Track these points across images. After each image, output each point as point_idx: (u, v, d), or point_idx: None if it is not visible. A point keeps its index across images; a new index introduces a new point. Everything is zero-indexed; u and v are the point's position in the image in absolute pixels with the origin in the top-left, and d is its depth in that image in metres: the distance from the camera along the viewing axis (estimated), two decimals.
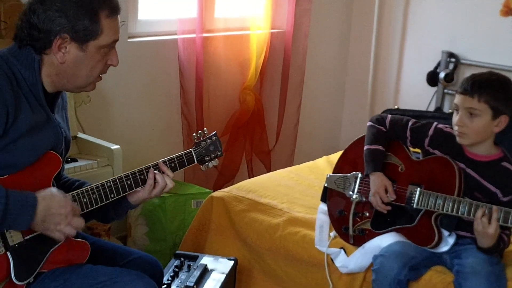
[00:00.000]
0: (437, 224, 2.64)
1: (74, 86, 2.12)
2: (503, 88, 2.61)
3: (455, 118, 2.62)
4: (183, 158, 2.30)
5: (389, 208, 2.72)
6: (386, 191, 2.71)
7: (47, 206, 1.95)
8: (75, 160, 3.12)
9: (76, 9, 1.99)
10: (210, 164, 2.38)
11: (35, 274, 2.03)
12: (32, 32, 2.01)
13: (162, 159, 2.25)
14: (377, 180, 2.73)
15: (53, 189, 2.02)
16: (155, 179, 2.21)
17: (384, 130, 2.82)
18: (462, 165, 2.66)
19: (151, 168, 2.22)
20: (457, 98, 2.63)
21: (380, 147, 2.78)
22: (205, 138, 2.37)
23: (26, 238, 2.00)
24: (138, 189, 2.22)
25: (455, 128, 2.62)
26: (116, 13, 2.09)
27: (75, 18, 1.99)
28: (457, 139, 2.64)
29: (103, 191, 2.14)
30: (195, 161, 2.33)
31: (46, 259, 2.05)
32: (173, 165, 2.27)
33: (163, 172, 2.23)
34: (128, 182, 2.18)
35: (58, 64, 2.04)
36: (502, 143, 2.71)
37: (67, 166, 3.00)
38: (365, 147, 2.81)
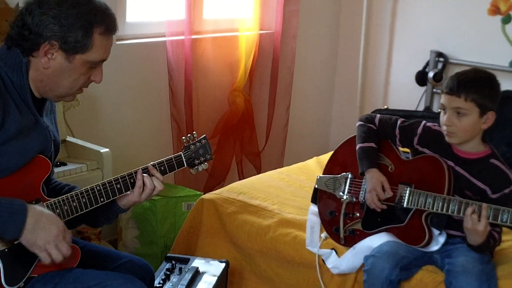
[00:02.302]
0: (427, 223, 2.65)
1: (54, 94, 2.11)
2: (489, 85, 2.63)
3: (443, 118, 2.63)
4: (172, 161, 2.29)
5: (384, 207, 2.71)
6: (383, 188, 2.71)
7: (38, 218, 1.93)
8: (64, 164, 3.11)
9: (72, 19, 1.98)
10: (200, 168, 2.37)
11: (25, 279, 2.02)
12: (23, 31, 2.00)
13: (152, 163, 2.25)
14: (374, 177, 2.72)
15: (45, 209, 2.01)
16: (143, 181, 2.20)
17: (375, 128, 2.83)
18: (451, 163, 2.67)
19: (140, 170, 2.21)
20: (444, 98, 2.64)
21: (373, 144, 2.78)
22: (194, 141, 2.36)
23: (16, 242, 1.99)
24: (128, 192, 2.21)
25: (444, 128, 2.63)
26: (111, 33, 2.08)
27: (68, 28, 1.99)
28: (446, 138, 2.65)
29: (93, 195, 2.13)
30: (185, 164, 2.32)
31: (36, 263, 2.04)
32: (162, 168, 2.26)
33: (152, 175, 2.22)
34: (118, 186, 2.17)
35: (42, 69, 2.03)
36: (491, 141, 2.72)
37: (56, 170, 2.99)
38: (358, 146, 2.80)
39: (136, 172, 2.21)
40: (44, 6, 1.98)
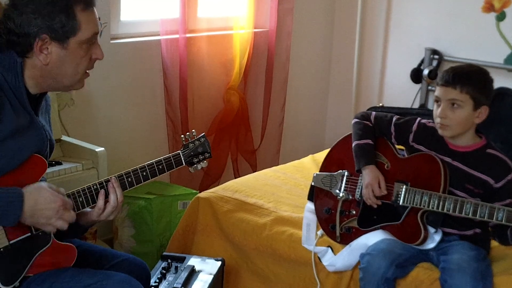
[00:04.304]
0: (423, 221, 2.65)
1: (62, 85, 2.11)
2: (483, 79, 2.65)
3: (437, 110, 2.64)
4: (171, 160, 2.27)
5: (379, 202, 2.72)
6: (379, 185, 2.71)
7: (35, 202, 1.93)
8: (59, 163, 3.09)
9: (50, 7, 1.98)
10: (199, 166, 2.35)
11: (21, 278, 2.02)
12: (11, 37, 2.00)
13: (149, 162, 2.23)
14: (371, 173, 2.72)
15: (43, 184, 2.00)
16: (106, 198, 2.14)
17: (371, 125, 2.83)
18: (448, 159, 2.67)
19: (103, 191, 2.13)
20: (439, 90, 2.65)
21: (369, 141, 2.79)
22: (193, 139, 2.34)
23: (11, 242, 1.98)
24: (87, 210, 2.17)
25: (437, 120, 2.64)
26: (92, 5, 2.07)
27: (50, 17, 1.98)
28: (439, 131, 2.66)
29: (89, 194, 2.12)
30: (183, 163, 2.31)
31: (32, 263, 2.03)
32: (160, 167, 2.24)
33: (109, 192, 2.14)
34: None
35: (42, 66, 2.03)
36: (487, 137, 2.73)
37: (52, 169, 2.99)
38: (354, 143, 2.81)
39: (101, 185, 2.14)
40: (19, 6, 1.98)
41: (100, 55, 2.12)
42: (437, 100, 2.65)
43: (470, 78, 2.60)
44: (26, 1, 1.98)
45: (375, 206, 2.73)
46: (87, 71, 2.13)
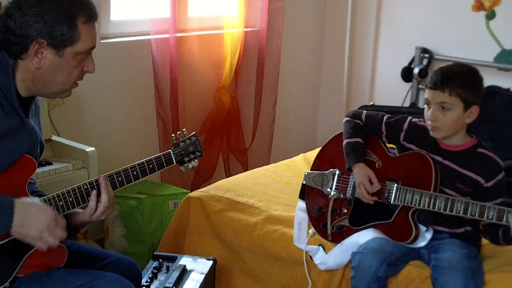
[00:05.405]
0: (414, 219, 2.65)
1: (50, 92, 2.11)
2: (472, 79, 2.64)
3: (427, 113, 2.64)
4: (161, 159, 2.27)
5: (375, 198, 2.71)
6: (370, 182, 2.71)
7: (25, 210, 1.92)
8: (50, 163, 3.08)
9: (54, 14, 1.98)
10: (190, 165, 2.36)
11: (10, 279, 2.01)
12: (8, 36, 1.99)
13: (140, 161, 2.23)
14: (361, 172, 2.72)
15: (35, 198, 2.00)
16: (97, 198, 2.13)
17: (361, 124, 2.83)
18: (438, 158, 2.67)
19: (95, 191, 2.13)
20: (428, 93, 2.64)
21: (359, 140, 2.79)
22: (184, 138, 2.35)
23: (0, 243, 1.97)
24: (79, 210, 2.16)
25: (428, 122, 2.64)
26: (94, 20, 2.08)
27: (52, 23, 1.98)
28: (431, 133, 2.66)
29: (80, 194, 2.11)
30: (174, 162, 2.31)
31: (22, 263, 2.03)
32: (151, 166, 2.24)
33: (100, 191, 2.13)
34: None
35: (33, 69, 2.03)
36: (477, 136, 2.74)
37: (42, 169, 2.98)
38: (344, 141, 2.81)
39: (91, 186, 2.13)
40: (24, 7, 1.98)
41: (92, 69, 2.13)
42: (427, 103, 2.65)
43: (458, 79, 2.59)
44: (32, 4, 1.98)
45: (372, 202, 2.72)
46: (77, 81, 2.13)
